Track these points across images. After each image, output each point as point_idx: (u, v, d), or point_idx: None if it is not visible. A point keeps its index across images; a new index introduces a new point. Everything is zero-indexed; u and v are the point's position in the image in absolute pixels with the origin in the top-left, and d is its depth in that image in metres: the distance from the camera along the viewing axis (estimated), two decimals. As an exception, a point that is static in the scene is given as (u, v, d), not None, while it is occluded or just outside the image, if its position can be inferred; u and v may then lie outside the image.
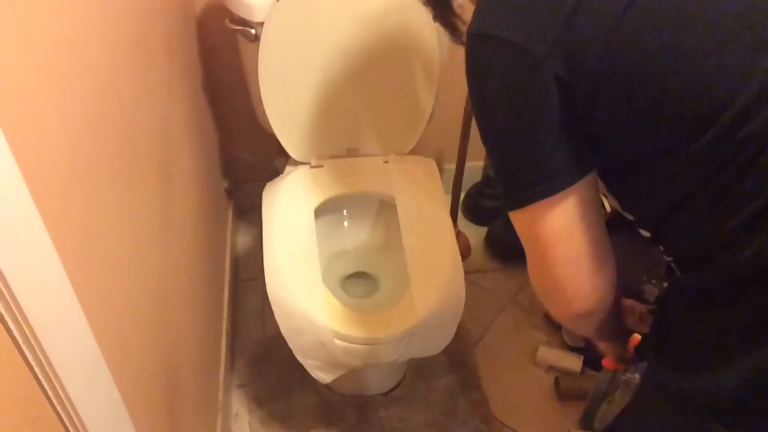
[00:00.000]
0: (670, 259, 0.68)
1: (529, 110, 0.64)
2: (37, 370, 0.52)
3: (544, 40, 0.60)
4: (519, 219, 0.70)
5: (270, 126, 1.39)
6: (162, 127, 1.06)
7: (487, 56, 0.65)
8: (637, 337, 1.32)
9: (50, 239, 0.52)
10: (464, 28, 0.80)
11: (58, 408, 0.56)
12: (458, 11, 0.79)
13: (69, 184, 0.61)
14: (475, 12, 0.67)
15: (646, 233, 0.70)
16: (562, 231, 0.68)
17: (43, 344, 0.51)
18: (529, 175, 0.67)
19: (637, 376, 1.51)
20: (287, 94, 1.36)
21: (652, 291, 1.38)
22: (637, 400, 0.78)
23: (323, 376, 1.21)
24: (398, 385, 1.53)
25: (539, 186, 0.66)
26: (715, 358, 0.62)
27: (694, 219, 0.62)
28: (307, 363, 1.20)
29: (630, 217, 0.72)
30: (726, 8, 0.56)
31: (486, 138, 0.69)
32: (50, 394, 0.54)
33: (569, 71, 0.60)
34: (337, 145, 1.47)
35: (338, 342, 1.15)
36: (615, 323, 0.83)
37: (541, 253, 0.71)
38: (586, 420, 1.45)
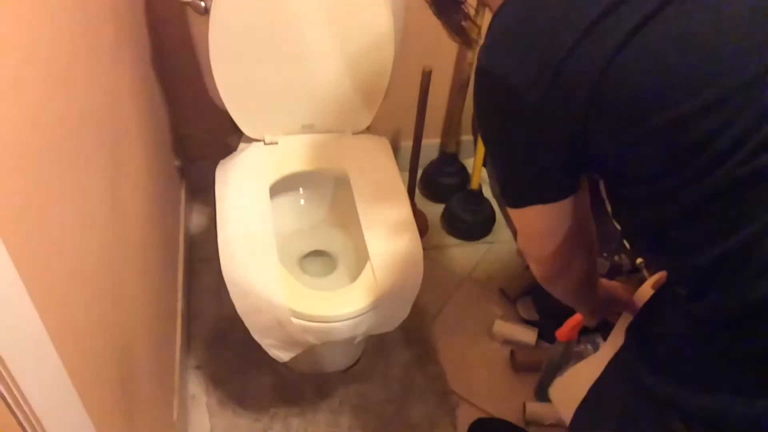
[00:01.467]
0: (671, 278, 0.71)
1: (527, 142, 0.69)
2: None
3: (540, 81, 0.63)
4: (512, 213, 0.79)
5: (222, 102, 1.36)
6: (108, 102, 1.02)
7: (489, 92, 0.70)
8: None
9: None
10: (475, 33, 0.84)
11: (1, 388, 0.54)
12: (469, 13, 0.83)
13: (6, 162, 0.58)
14: (485, 41, 0.70)
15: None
16: (548, 228, 0.77)
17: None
18: (523, 186, 0.75)
19: (589, 347, 1.56)
20: (239, 69, 1.32)
21: (603, 264, 1.42)
22: (607, 376, 0.80)
23: (281, 355, 1.20)
24: (357, 362, 1.54)
25: (531, 196, 0.74)
26: (705, 380, 0.63)
27: (682, 248, 0.63)
28: (264, 342, 1.19)
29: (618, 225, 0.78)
30: (727, 38, 0.57)
31: (486, 146, 0.76)
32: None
33: (564, 109, 0.63)
34: (292, 121, 1.44)
35: (295, 320, 1.14)
36: (589, 294, 0.94)
37: (528, 238, 0.82)
38: (541, 391, 1.49)
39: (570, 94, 0.62)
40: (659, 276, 0.91)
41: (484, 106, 0.72)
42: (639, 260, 1.38)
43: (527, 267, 1.73)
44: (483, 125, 0.75)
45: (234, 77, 1.33)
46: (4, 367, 0.52)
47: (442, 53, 1.76)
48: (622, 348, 0.76)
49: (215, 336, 1.58)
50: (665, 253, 0.67)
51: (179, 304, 1.50)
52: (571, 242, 0.78)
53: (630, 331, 0.76)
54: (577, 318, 1.34)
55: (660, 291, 0.76)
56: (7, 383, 0.53)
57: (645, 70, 0.59)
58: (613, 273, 1.43)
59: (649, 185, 0.63)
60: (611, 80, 0.60)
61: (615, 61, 0.59)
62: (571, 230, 0.77)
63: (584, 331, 1.40)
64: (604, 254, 1.42)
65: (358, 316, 1.15)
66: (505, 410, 1.48)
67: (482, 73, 0.69)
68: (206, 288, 1.67)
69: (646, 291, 0.91)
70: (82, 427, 0.70)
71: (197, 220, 1.85)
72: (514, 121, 0.68)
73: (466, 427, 1.43)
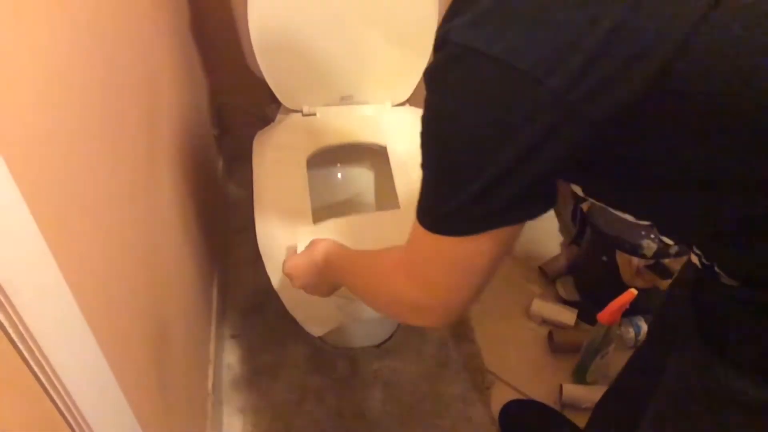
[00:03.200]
0: (718, 270, 0.62)
1: (520, 150, 0.52)
2: (10, 330, 0.49)
3: (566, 68, 0.47)
4: (438, 243, 0.60)
5: (260, 71, 1.33)
6: (146, 69, 1.01)
7: (477, 78, 0.51)
8: (633, 292, 1.31)
9: (20, 195, 0.49)
10: None
11: (36, 369, 0.53)
12: None
13: (38, 132, 0.57)
14: (453, 9, 0.54)
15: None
16: (493, 259, 0.61)
17: (14, 303, 0.48)
18: (494, 204, 0.56)
19: (630, 330, 1.52)
20: (278, 38, 1.29)
21: (649, 246, 1.36)
22: (685, 401, 0.69)
23: (315, 330, 1.20)
24: (391, 337, 1.53)
25: (502, 216, 0.57)
26: None
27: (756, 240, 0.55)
28: (299, 316, 1.18)
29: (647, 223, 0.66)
30: None
31: (431, 153, 0.58)
32: (26, 354, 0.52)
33: (601, 100, 0.48)
34: (331, 92, 1.41)
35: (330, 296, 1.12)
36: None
37: (458, 276, 0.64)
38: (579, 373, 1.46)
39: (615, 81, 0.47)
40: None
41: (456, 96, 0.53)
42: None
43: (569, 244, 1.69)
44: (439, 118, 0.56)
45: (272, 46, 1.30)
46: (38, 348, 0.51)
47: (487, 22, 1.69)
48: (697, 360, 0.66)
49: (252, 306, 1.59)
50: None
51: (215, 274, 1.51)
52: (487, 280, 0.64)
53: (700, 338, 0.66)
54: (620, 301, 1.30)
55: (702, 286, 0.68)
56: (38, 358, 0.53)
57: (742, 44, 0.46)
58: (660, 255, 1.38)
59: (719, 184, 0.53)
60: (696, 59, 0.46)
61: (700, 32, 0.45)
62: (494, 268, 0.63)
63: (626, 314, 1.36)
64: (651, 235, 1.36)
65: (393, 293, 1.13)
66: (541, 391, 1.45)
67: (464, 51, 0.51)
68: (244, 258, 1.67)
69: None
70: (113, 397, 0.70)
71: (235, 190, 1.85)
72: (512, 120, 0.51)
73: (500, 406, 1.41)
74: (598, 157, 0.54)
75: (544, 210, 0.58)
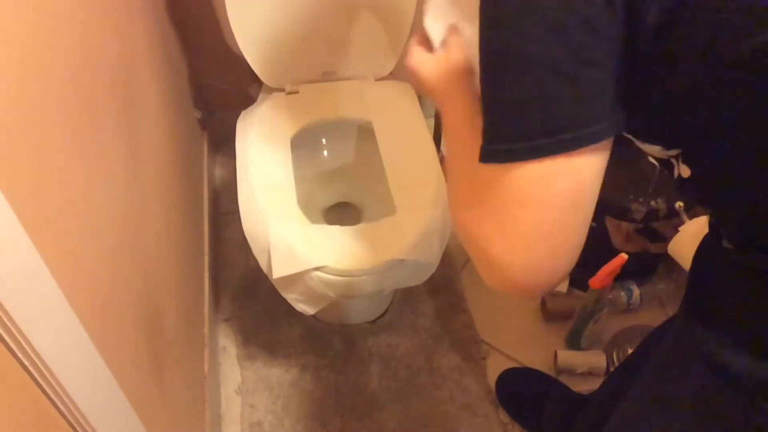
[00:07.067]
0: (722, 231, 0.60)
1: (578, 31, 0.47)
2: (-5, 324, 0.49)
3: None
4: (516, 176, 0.50)
5: (240, 50, 1.31)
6: (123, 52, 0.98)
7: None
8: (623, 256, 1.32)
9: (-5, 184, 0.48)
10: None
11: (25, 361, 0.53)
12: None
13: (14, 117, 0.55)
14: None
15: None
16: (574, 196, 0.50)
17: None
18: (555, 117, 0.48)
19: (622, 294, 1.53)
20: (256, 14, 1.27)
21: (639, 210, 1.36)
22: (666, 362, 0.70)
23: (307, 309, 1.19)
24: (385, 312, 1.53)
25: (570, 132, 0.48)
26: None
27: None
28: (290, 297, 1.18)
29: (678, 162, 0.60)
30: None
31: (491, 63, 0.52)
32: (14, 347, 0.51)
33: (653, 12, 0.46)
34: (313, 69, 1.39)
35: (318, 275, 1.12)
36: None
37: (530, 220, 0.51)
38: (573, 339, 1.47)
39: None
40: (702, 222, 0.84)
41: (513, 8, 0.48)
42: (678, 204, 1.32)
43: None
44: (492, 17, 0.51)
45: (251, 23, 1.28)
46: (27, 341, 0.51)
47: (468, -9, 1.67)
48: (684, 324, 0.67)
49: (244, 288, 1.58)
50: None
51: (206, 258, 1.50)
52: (582, 231, 0.53)
53: (689, 303, 0.67)
54: (611, 266, 1.31)
55: (702, 249, 0.69)
56: (24, 348, 0.52)
57: None
58: (649, 219, 1.38)
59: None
60: None
61: None
62: (588, 215, 0.53)
63: (617, 279, 1.37)
64: (640, 199, 1.36)
65: (383, 270, 1.13)
66: (536, 359, 1.47)
67: None
68: (233, 240, 1.66)
69: (687, 241, 0.86)
70: (107, 385, 0.69)
71: (221, 172, 1.83)
72: (569, 17, 0.47)
73: (496, 375, 1.42)
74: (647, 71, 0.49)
75: (609, 128, 0.50)
